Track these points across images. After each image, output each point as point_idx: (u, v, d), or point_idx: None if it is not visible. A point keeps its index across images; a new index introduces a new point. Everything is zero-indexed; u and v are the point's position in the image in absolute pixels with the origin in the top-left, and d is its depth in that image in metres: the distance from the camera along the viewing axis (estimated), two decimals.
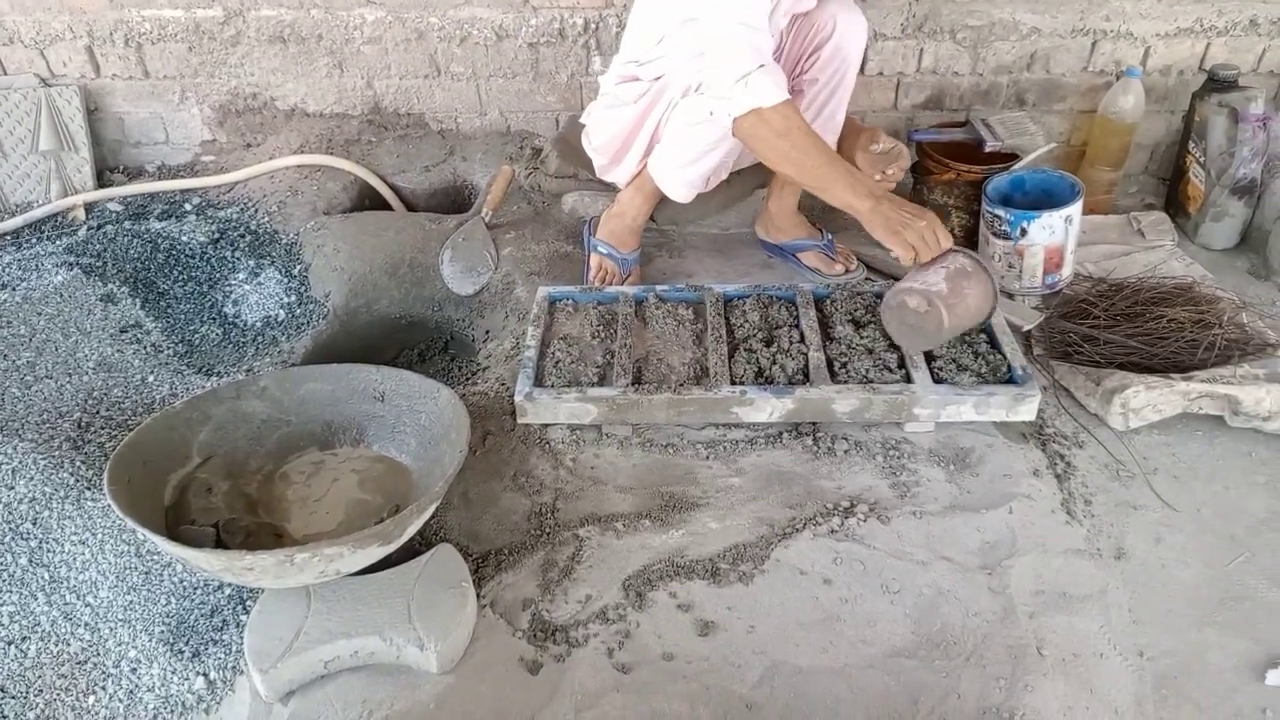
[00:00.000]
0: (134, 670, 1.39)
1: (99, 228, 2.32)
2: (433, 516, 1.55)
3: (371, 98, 2.55)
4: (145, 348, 1.98)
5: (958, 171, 2.17)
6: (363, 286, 2.17)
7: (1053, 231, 1.97)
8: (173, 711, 1.34)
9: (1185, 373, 1.74)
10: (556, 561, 1.51)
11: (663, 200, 2.05)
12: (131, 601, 1.45)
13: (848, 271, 2.18)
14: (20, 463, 1.60)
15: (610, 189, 2.22)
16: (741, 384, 1.73)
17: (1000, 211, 2.01)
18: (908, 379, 1.72)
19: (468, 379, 2.02)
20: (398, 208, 2.53)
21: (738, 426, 1.75)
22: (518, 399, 1.73)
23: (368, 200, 2.52)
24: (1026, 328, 1.95)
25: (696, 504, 1.60)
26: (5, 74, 2.50)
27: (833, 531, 1.54)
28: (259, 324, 2.13)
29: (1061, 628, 1.39)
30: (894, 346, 1.78)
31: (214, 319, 2.14)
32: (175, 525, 1.44)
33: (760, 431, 1.74)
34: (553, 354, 1.83)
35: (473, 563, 1.50)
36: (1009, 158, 2.17)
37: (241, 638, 1.36)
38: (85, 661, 1.40)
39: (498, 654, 1.37)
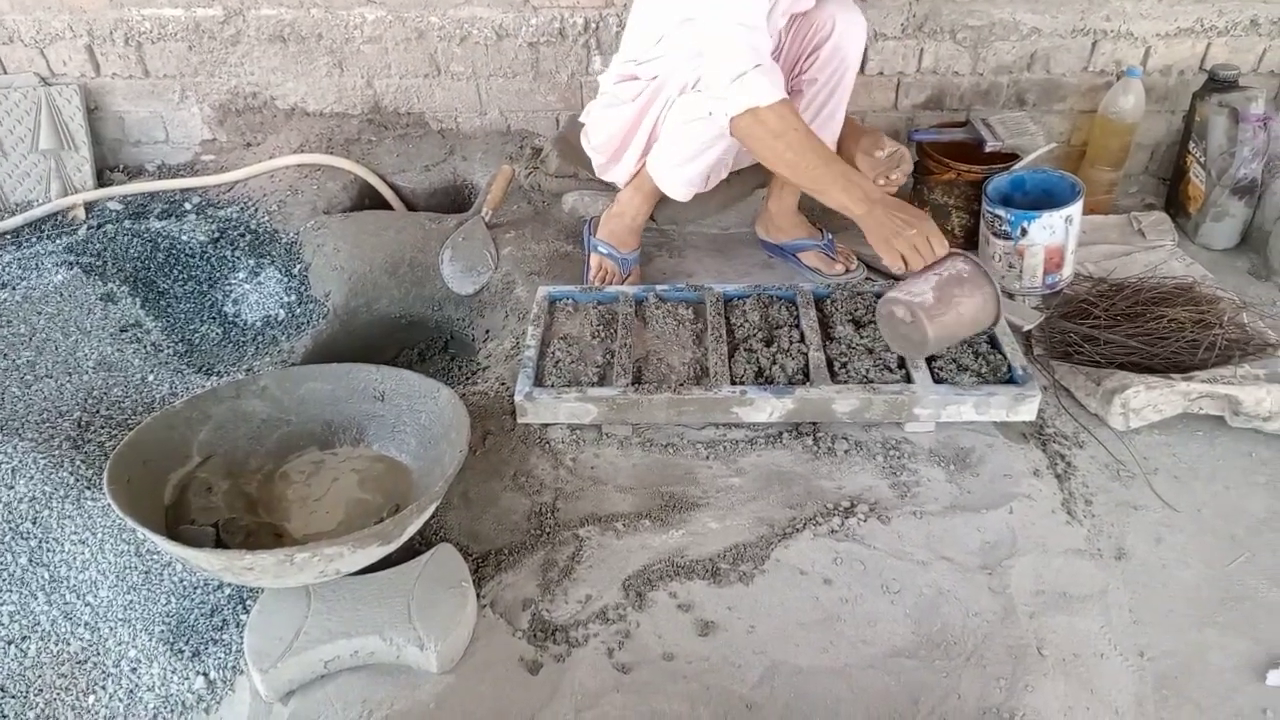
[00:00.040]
0: (134, 670, 1.38)
1: (99, 227, 2.32)
2: (433, 516, 1.55)
3: (371, 97, 2.55)
4: (145, 347, 1.98)
5: (958, 171, 2.17)
6: (363, 286, 2.17)
7: (1053, 231, 1.97)
8: (173, 711, 1.34)
9: (1186, 373, 1.74)
10: (556, 561, 1.51)
11: (663, 200, 2.05)
12: (131, 601, 1.45)
13: (848, 271, 2.18)
14: (20, 462, 1.60)
15: (610, 188, 2.22)
16: (741, 384, 1.73)
17: (1000, 211, 2.01)
18: (908, 379, 1.72)
19: (468, 378, 2.02)
20: (398, 207, 2.53)
21: (738, 426, 1.75)
22: (518, 399, 1.73)
23: (368, 200, 2.52)
24: (1027, 328, 1.94)
25: (696, 504, 1.60)
26: (5, 73, 2.50)
27: (833, 531, 1.54)
28: (259, 323, 2.13)
29: (1062, 628, 1.39)
30: (908, 351, 1.78)
31: (214, 318, 2.14)
32: (175, 525, 1.44)
33: (760, 431, 1.74)
34: (553, 354, 1.82)
35: (473, 562, 1.50)
36: (1009, 158, 2.17)
37: (241, 637, 1.36)
38: (85, 661, 1.40)
39: (498, 654, 1.37)
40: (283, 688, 1.31)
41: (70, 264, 2.15)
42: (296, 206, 2.36)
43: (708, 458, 1.70)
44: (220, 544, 1.42)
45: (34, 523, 1.53)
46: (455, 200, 2.56)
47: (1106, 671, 1.34)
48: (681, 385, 1.73)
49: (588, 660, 1.36)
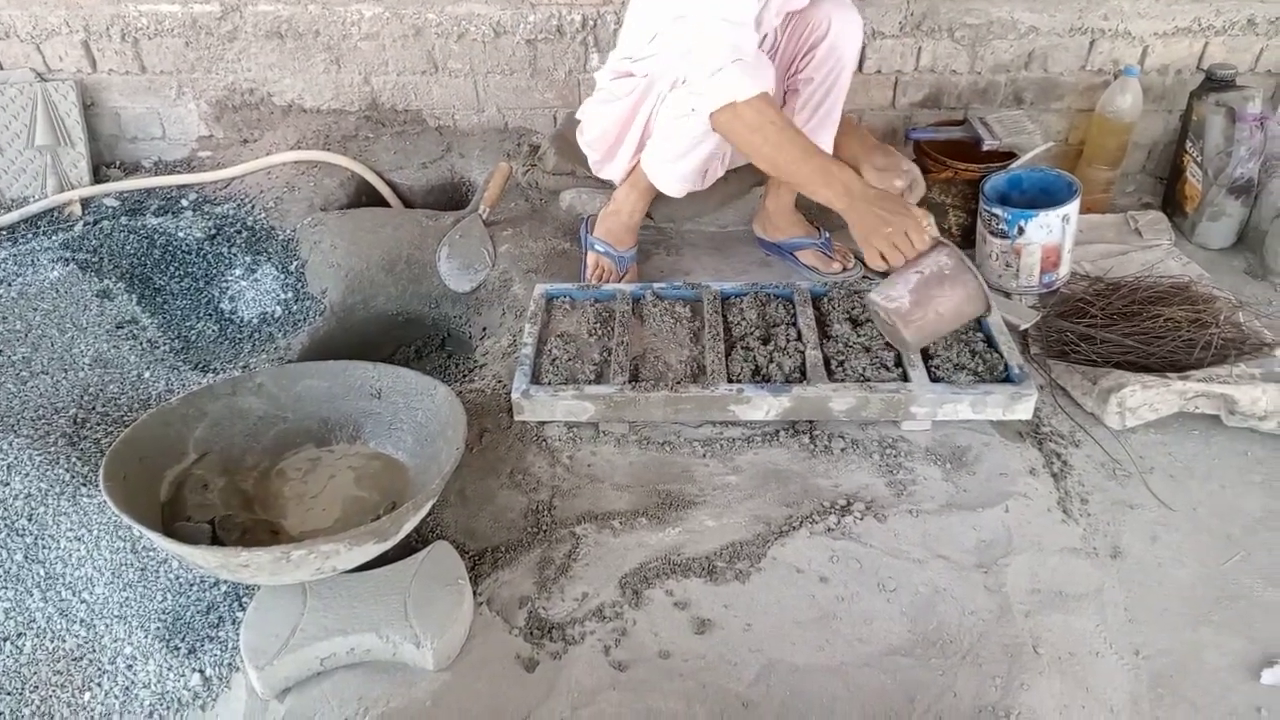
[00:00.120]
0: (130, 667, 1.38)
1: (95, 223, 2.32)
2: (429, 514, 1.55)
3: (369, 94, 2.55)
4: (141, 344, 1.98)
5: (955, 170, 2.17)
6: (360, 283, 2.17)
7: (1050, 230, 1.97)
8: (169, 708, 1.34)
9: (1182, 372, 1.75)
10: (553, 559, 1.51)
11: (660, 198, 2.05)
12: (127, 598, 1.45)
13: (845, 270, 2.18)
14: (15, 459, 1.59)
15: (608, 186, 2.22)
16: (738, 382, 1.73)
17: (998, 210, 2.01)
18: (905, 377, 1.73)
19: (465, 376, 2.01)
20: (395, 204, 2.52)
21: (735, 424, 1.75)
22: (515, 396, 1.73)
23: (365, 197, 2.51)
24: (1023, 326, 1.94)
25: (693, 502, 1.60)
26: (1, 69, 2.49)
27: (829, 530, 1.54)
28: (255, 320, 2.13)
29: (1057, 626, 1.39)
30: (891, 344, 1.78)
31: (210, 315, 2.13)
32: (171, 521, 1.44)
33: (757, 429, 1.74)
34: (550, 351, 1.82)
35: (469, 560, 1.50)
36: (1007, 156, 2.18)
37: (238, 634, 1.36)
38: (81, 658, 1.40)
39: (494, 651, 1.37)
40: (279, 685, 1.31)
41: (66, 260, 2.15)
42: (293, 203, 2.36)
43: (704, 456, 1.70)
44: (216, 541, 1.42)
45: (29, 519, 1.52)
46: (453, 197, 2.56)
47: (1102, 670, 1.34)
48: (678, 383, 1.73)
49: (584, 658, 1.36)
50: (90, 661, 1.39)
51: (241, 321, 2.13)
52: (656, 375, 1.77)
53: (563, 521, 1.57)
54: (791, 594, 1.45)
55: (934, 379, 1.73)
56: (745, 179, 2.25)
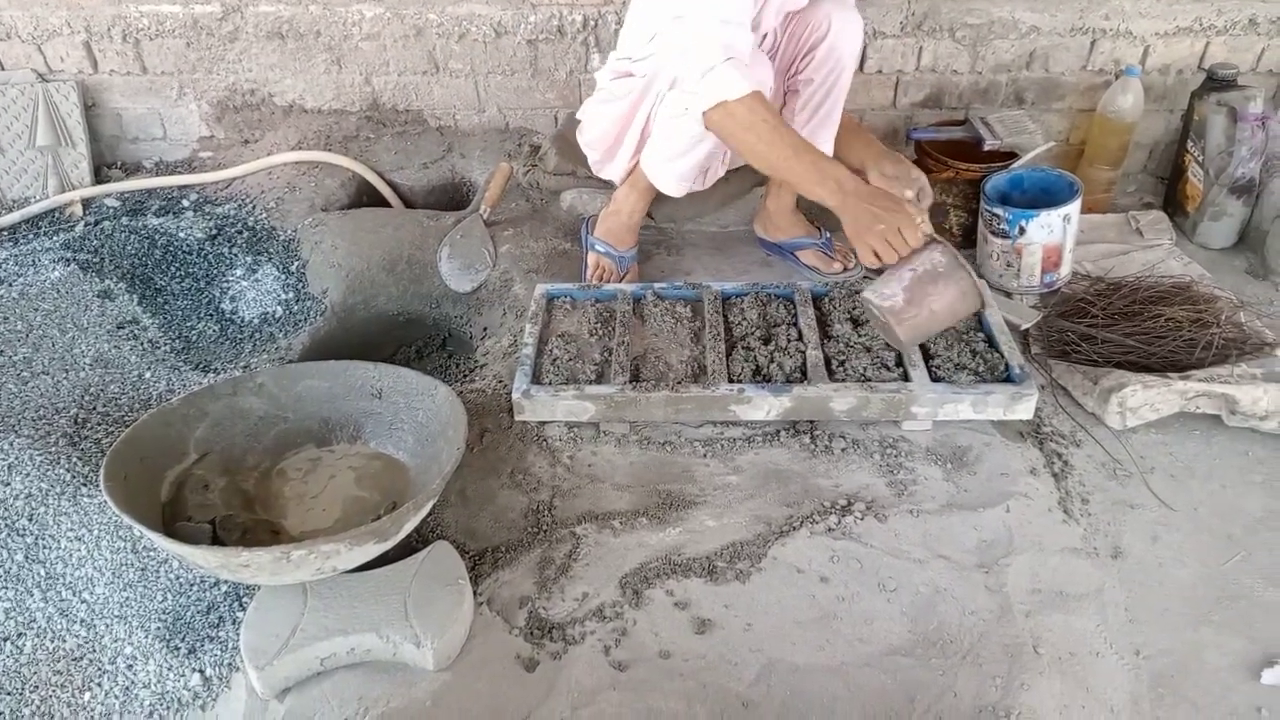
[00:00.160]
0: (130, 667, 1.38)
1: (96, 223, 2.32)
2: (430, 514, 1.55)
3: (370, 94, 2.55)
4: (142, 344, 1.98)
5: (956, 170, 2.17)
6: (360, 283, 2.17)
7: (1051, 230, 1.97)
8: (169, 708, 1.34)
9: (1183, 372, 1.74)
10: (553, 559, 1.51)
11: (661, 198, 2.05)
12: (128, 598, 1.45)
13: (846, 270, 2.18)
14: (16, 459, 1.59)
15: (608, 186, 2.22)
16: (739, 382, 1.73)
17: (999, 210, 2.01)
18: (905, 377, 1.72)
19: (465, 376, 2.01)
20: (396, 204, 2.53)
21: (735, 424, 1.75)
22: (515, 396, 1.73)
23: (366, 197, 2.52)
24: (1024, 326, 1.95)
25: (694, 502, 1.60)
26: (2, 69, 2.50)
27: (830, 530, 1.54)
28: (256, 320, 2.13)
29: (1058, 626, 1.39)
30: (890, 344, 1.78)
31: (211, 315, 2.14)
32: (172, 522, 1.44)
33: (758, 429, 1.74)
34: (550, 351, 1.82)
35: (470, 560, 1.50)
36: (1008, 156, 2.18)
37: (238, 634, 1.36)
38: (81, 658, 1.40)
39: (494, 651, 1.37)
40: (279, 685, 1.31)
41: (67, 260, 2.15)
42: (294, 203, 2.36)
43: (705, 456, 1.70)
44: (217, 541, 1.42)
45: (30, 519, 1.52)
46: (453, 198, 2.56)
47: (1102, 670, 1.34)
48: (679, 383, 1.73)
49: (584, 658, 1.36)
50: (90, 661, 1.39)
51: (242, 322, 2.13)
52: (657, 375, 1.77)
53: (563, 521, 1.57)
54: (792, 594, 1.45)
55: (935, 379, 1.72)
56: (746, 179, 2.24)
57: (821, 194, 1.64)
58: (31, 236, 2.29)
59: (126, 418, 1.75)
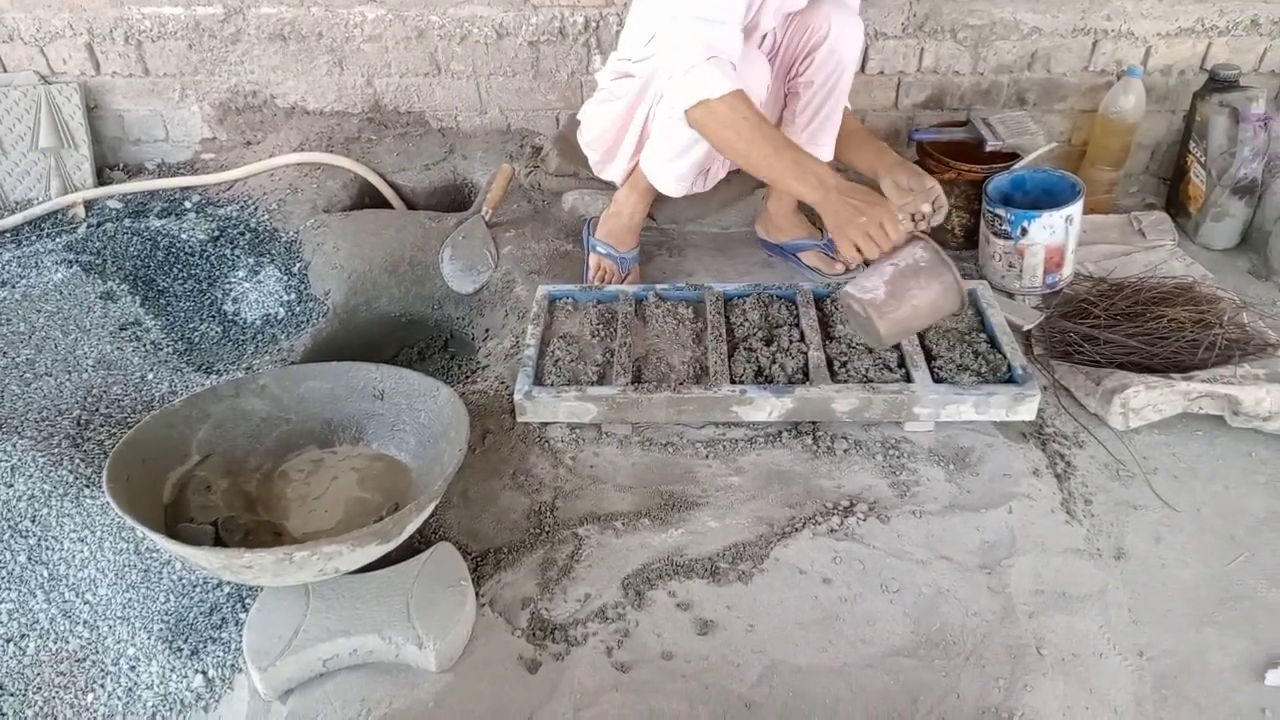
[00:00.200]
0: (133, 668, 1.38)
1: (99, 225, 2.32)
2: (432, 515, 1.55)
3: (371, 96, 2.55)
4: (145, 345, 1.98)
5: (958, 171, 2.17)
6: (362, 284, 2.17)
7: (1053, 231, 1.96)
8: (171, 709, 1.34)
9: (1185, 372, 1.74)
10: (556, 560, 1.51)
11: (662, 199, 2.05)
12: (130, 599, 1.45)
13: (848, 271, 2.17)
14: (19, 460, 1.60)
15: (610, 188, 2.22)
16: (741, 383, 1.73)
17: (1001, 211, 2.00)
18: (907, 378, 1.72)
19: (467, 377, 2.02)
20: (398, 206, 2.53)
21: (737, 425, 1.75)
22: (517, 397, 1.73)
23: (368, 198, 2.52)
24: (1027, 327, 1.95)
25: (696, 503, 1.60)
26: (5, 71, 2.50)
27: (832, 531, 1.54)
28: (258, 322, 2.13)
29: (1061, 627, 1.39)
30: (894, 345, 1.78)
31: (214, 317, 2.14)
32: (174, 523, 1.44)
33: (760, 430, 1.74)
34: (552, 352, 1.82)
35: (472, 561, 1.50)
36: (1010, 157, 2.17)
37: (240, 636, 1.36)
38: (84, 659, 1.40)
39: (496, 652, 1.37)
40: (281, 686, 1.31)
41: (70, 262, 2.16)
42: (296, 205, 2.36)
43: (707, 457, 1.70)
44: (219, 542, 1.42)
45: (33, 521, 1.53)
46: (455, 199, 2.56)
47: (1105, 671, 1.34)
48: (681, 384, 1.73)
49: (586, 659, 1.36)
50: (93, 663, 1.40)
51: (245, 323, 2.13)
52: (659, 376, 1.77)
53: (565, 523, 1.57)
54: (794, 595, 1.45)
55: (937, 380, 1.72)
56: (747, 180, 2.24)
57: (802, 190, 1.63)
58: (34, 238, 2.29)
59: (129, 419, 1.75)
